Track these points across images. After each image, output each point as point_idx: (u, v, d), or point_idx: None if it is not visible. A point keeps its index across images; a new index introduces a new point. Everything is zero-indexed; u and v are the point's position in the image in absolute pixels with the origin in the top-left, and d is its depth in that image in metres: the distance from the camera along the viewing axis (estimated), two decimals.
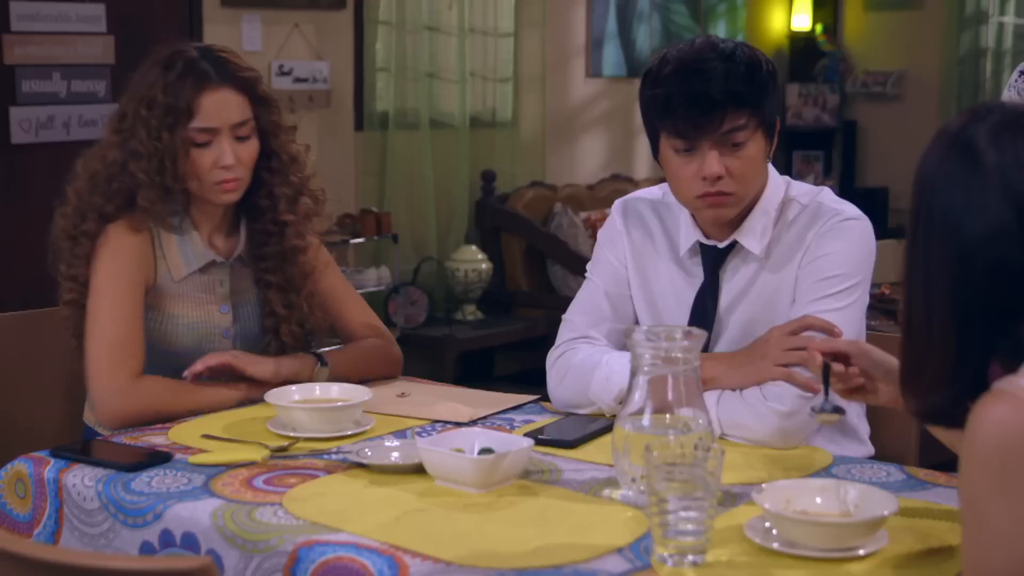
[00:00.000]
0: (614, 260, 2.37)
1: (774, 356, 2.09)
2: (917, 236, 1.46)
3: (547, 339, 6.39)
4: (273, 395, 2.21)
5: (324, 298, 2.56)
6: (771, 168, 2.28)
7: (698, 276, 2.28)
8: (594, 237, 6.07)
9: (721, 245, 2.25)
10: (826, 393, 1.88)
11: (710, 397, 2.09)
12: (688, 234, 2.29)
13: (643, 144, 7.04)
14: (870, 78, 7.75)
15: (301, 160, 2.49)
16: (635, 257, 2.35)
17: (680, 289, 2.30)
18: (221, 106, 2.33)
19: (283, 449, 2.05)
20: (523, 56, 6.28)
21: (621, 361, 2.18)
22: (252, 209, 2.47)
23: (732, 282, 2.25)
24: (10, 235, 4.44)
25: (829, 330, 2.07)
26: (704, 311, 2.26)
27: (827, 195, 2.28)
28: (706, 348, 2.19)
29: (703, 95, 2.11)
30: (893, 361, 1.86)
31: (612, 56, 6.80)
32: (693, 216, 2.27)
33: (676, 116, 2.14)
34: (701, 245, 2.27)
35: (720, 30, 7.44)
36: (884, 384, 1.88)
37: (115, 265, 2.34)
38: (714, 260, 2.26)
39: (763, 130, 2.18)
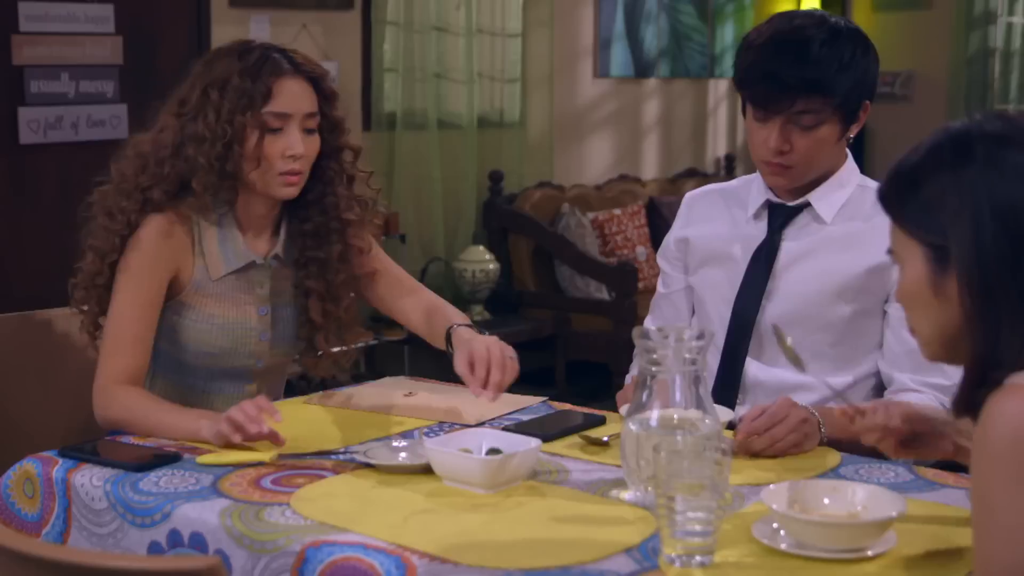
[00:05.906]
0: (667, 266, 2.48)
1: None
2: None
3: (554, 339, 6.38)
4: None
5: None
6: (848, 152, 2.35)
7: (759, 239, 2.34)
8: (601, 238, 6.07)
9: (791, 204, 2.32)
10: None
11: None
12: (760, 191, 2.35)
13: (651, 144, 7.04)
14: (878, 78, 7.74)
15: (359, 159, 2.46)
16: (694, 242, 2.42)
17: (737, 256, 2.34)
18: (296, 94, 2.31)
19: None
20: (531, 56, 6.27)
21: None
22: (301, 209, 2.41)
23: (795, 240, 2.32)
24: (19, 235, 4.45)
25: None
26: (758, 266, 2.31)
27: None
28: (756, 305, 2.28)
29: (777, 76, 2.20)
30: (938, 413, 1.84)
31: (620, 56, 6.79)
32: None
33: (752, 89, 2.24)
34: (770, 204, 2.34)
35: (728, 30, 7.44)
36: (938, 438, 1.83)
37: (146, 259, 2.29)
38: (782, 218, 2.33)
39: (841, 114, 2.24)
